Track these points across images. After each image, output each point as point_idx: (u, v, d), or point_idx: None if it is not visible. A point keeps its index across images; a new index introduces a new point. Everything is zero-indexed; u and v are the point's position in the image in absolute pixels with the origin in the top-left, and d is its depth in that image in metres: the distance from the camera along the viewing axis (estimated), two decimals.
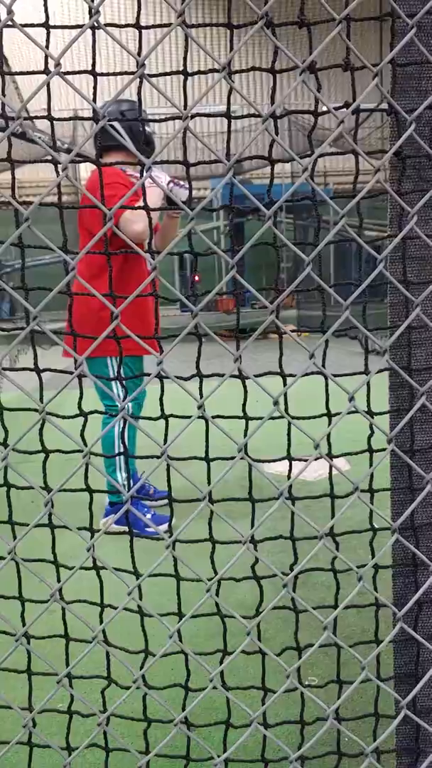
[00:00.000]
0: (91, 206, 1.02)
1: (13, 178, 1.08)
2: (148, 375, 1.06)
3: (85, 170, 13.55)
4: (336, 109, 1.05)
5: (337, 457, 1.11)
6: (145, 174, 1.01)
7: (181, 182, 2.92)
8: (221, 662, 1.16)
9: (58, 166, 0.99)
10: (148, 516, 3.33)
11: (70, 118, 1.05)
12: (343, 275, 10.55)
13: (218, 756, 1.10)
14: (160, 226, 3.22)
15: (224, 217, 12.03)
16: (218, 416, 1.08)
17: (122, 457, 3.39)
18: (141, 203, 1.07)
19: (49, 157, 1.03)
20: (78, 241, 3.20)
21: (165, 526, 3.16)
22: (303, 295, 10.26)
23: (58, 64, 0.94)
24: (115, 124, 3.04)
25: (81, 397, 1.11)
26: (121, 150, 3.06)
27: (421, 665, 1.17)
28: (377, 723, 1.21)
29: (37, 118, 1.03)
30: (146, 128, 3.14)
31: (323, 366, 1.08)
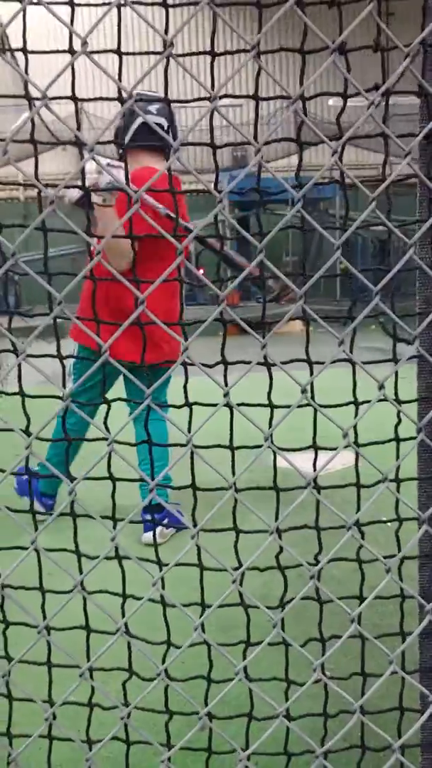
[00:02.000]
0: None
1: (36, 161, 1.06)
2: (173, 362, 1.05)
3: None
4: (366, 91, 1.03)
5: (365, 445, 1.09)
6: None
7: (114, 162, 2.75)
8: (244, 654, 1.15)
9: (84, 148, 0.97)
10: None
11: (96, 99, 1.03)
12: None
13: (242, 750, 1.09)
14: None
15: (230, 210, 12.00)
16: (243, 404, 1.06)
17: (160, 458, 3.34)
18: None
19: (73, 139, 1.01)
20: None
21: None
22: (309, 289, 10.19)
23: (84, 43, 0.92)
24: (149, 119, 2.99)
25: (104, 384, 1.09)
26: (145, 148, 3.02)
27: None
28: (402, 717, 1.19)
29: (61, 98, 1.00)
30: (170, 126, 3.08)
31: (351, 353, 1.06)
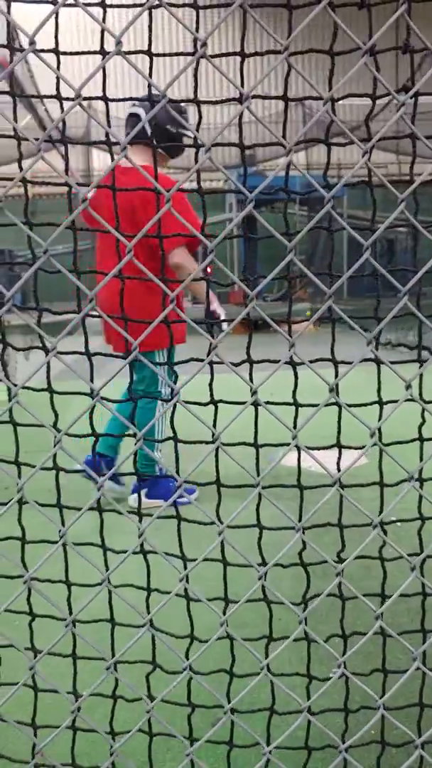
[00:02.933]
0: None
1: (67, 158, 1.07)
2: (201, 360, 1.06)
3: (98, 160, 13.53)
4: (397, 92, 1.04)
5: (387, 445, 1.10)
6: (200, 156, 0.99)
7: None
8: (266, 650, 1.16)
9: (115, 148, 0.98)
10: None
11: (127, 99, 1.04)
12: (359, 270, 10.46)
13: (266, 745, 1.10)
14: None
15: (237, 208, 12.00)
16: (270, 402, 1.07)
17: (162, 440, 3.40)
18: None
19: (104, 139, 1.02)
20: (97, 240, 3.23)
21: (194, 495, 3.14)
22: (317, 289, 10.24)
23: (119, 42, 0.93)
24: (142, 115, 3.02)
25: (131, 382, 1.10)
26: (142, 144, 3.05)
27: None
28: (421, 713, 1.21)
29: (96, 99, 1.01)
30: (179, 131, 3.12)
31: (377, 351, 1.07)
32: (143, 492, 3.16)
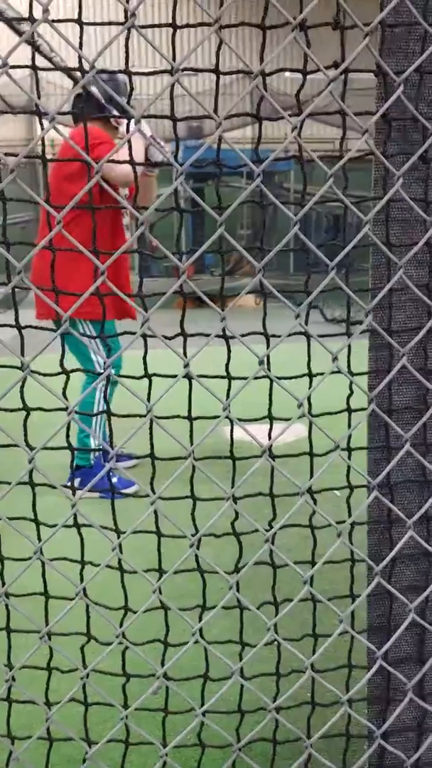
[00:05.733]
0: (79, 160, 1.00)
1: None
2: (132, 334, 1.06)
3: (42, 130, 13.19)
4: (326, 67, 1.05)
5: (318, 416, 1.12)
6: (131, 127, 0.99)
7: (160, 141, 2.92)
8: (200, 618, 1.18)
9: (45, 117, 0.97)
10: (114, 480, 3.33)
11: (58, 69, 1.03)
12: (303, 244, 10.53)
13: (198, 708, 1.13)
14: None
15: (184, 180, 11.84)
16: (203, 376, 1.08)
17: (99, 422, 3.41)
18: (126, 155, 1.05)
19: (33, 109, 1.01)
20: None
21: (132, 489, 3.17)
22: (267, 263, 10.21)
23: (46, 11, 0.92)
24: (95, 91, 2.99)
25: (63, 356, 1.10)
26: (99, 120, 3.05)
27: (394, 618, 1.21)
28: (350, 674, 1.25)
29: (21, 67, 1.00)
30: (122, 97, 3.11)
31: (306, 328, 1.09)
32: (77, 481, 3.15)
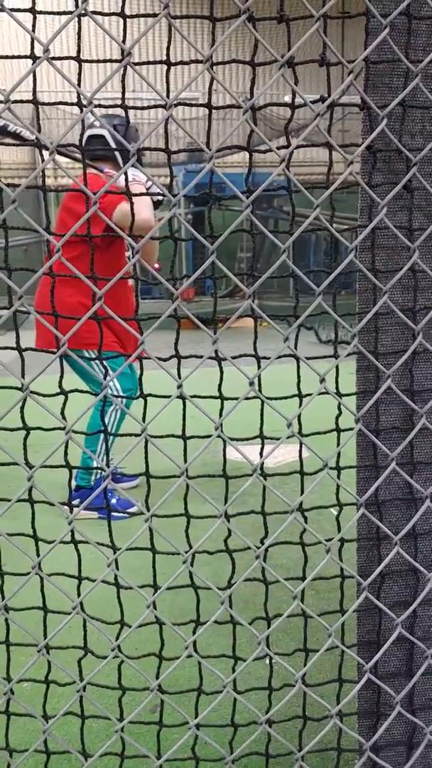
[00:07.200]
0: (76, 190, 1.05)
1: None
2: (129, 356, 1.10)
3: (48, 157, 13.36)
4: (312, 102, 1.10)
5: (307, 435, 1.16)
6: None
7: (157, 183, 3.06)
8: (194, 632, 1.21)
9: (45, 151, 1.01)
10: (113, 501, 3.36)
11: (55, 103, 1.08)
12: (301, 266, 10.66)
13: (191, 720, 1.16)
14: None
15: (185, 205, 12.04)
16: (196, 396, 1.12)
17: (104, 446, 3.43)
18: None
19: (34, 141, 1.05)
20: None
21: (132, 509, 3.20)
22: (260, 286, 10.34)
23: (46, 50, 0.97)
24: (107, 136, 3.08)
25: (62, 377, 1.14)
26: (109, 161, 3.16)
27: (382, 633, 1.24)
28: (340, 688, 1.28)
29: (21, 102, 1.05)
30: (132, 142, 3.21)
31: (295, 351, 1.13)
32: (76, 502, 3.19)
